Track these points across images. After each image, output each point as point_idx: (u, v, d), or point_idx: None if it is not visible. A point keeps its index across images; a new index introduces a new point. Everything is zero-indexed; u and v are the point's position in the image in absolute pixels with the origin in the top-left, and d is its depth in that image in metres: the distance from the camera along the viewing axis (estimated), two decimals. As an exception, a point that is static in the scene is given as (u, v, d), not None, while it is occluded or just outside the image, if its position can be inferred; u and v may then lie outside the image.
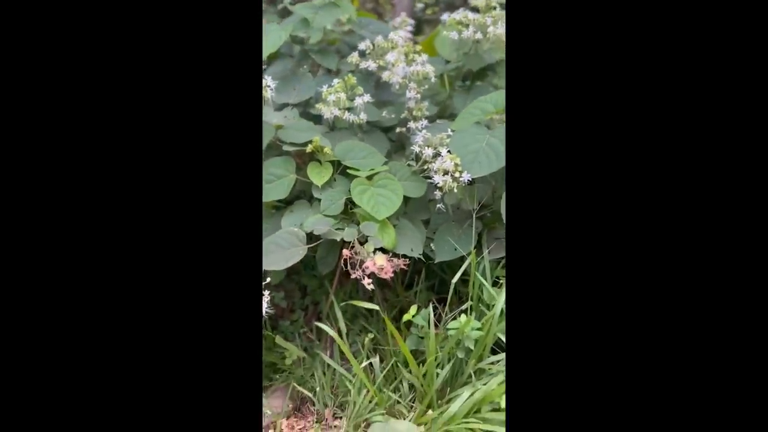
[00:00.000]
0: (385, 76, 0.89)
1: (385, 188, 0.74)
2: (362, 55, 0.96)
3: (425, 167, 0.79)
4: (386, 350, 0.77)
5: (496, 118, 0.81)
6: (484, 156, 0.74)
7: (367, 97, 0.86)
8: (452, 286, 0.75)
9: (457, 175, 0.71)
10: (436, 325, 0.74)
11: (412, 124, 0.89)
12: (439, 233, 0.79)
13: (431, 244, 0.80)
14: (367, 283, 0.61)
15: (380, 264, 0.61)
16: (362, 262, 0.62)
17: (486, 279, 0.77)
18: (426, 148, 0.78)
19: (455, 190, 0.72)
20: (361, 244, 0.67)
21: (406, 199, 0.81)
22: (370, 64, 0.94)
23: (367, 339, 0.76)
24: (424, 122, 0.89)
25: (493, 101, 0.83)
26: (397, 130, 0.92)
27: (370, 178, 0.76)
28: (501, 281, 0.76)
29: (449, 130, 0.83)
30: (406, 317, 0.69)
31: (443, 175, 0.72)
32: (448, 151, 0.75)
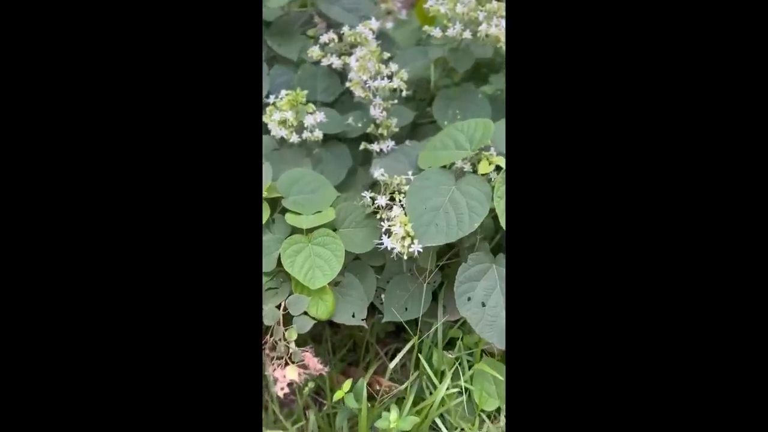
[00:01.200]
0: (348, 84, 0.74)
1: (325, 248, 0.63)
2: (324, 47, 0.80)
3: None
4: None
5: (470, 158, 0.67)
6: (442, 218, 0.62)
7: (320, 116, 0.72)
8: (393, 364, 0.67)
9: (406, 243, 0.60)
10: (374, 396, 0.68)
11: (374, 147, 0.75)
12: (391, 287, 0.70)
13: (382, 295, 0.71)
14: (281, 392, 0.53)
15: (291, 377, 0.53)
16: (281, 356, 0.54)
17: (438, 344, 0.69)
18: (379, 195, 0.65)
19: (405, 257, 0.61)
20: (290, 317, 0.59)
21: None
22: (334, 61, 0.79)
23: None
24: (390, 144, 0.75)
25: (469, 133, 0.69)
26: (362, 146, 0.78)
27: (309, 230, 0.65)
28: (454, 346, 0.69)
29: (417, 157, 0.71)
30: (338, 395, 0.62)
31: (394, 237, 0.61)
32: (403, 207, 0.63)
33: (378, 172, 0.70)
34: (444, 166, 0.66)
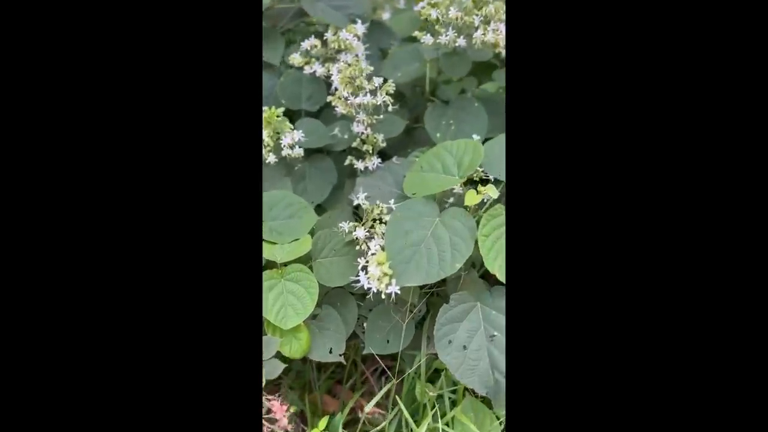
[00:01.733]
0: (330, 98, 0.69)
1: (298, 284, 0.60)
2: (306, 54, 0.74)
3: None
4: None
5: (455, 192, 0.62)
6: (423, 255, 0.57)
7: (298, 135, 0.67)
8: (375, 400, 0.64)
9: (384, 284, 0.56)
10: None
11: (359, 165, 0.70)
12: (372, 317, 0.67)
13: (365, 323, 0.68)
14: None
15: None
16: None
17: (421, 377, 0.66)
18: (357, 227, 0.61)
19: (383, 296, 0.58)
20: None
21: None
22: (317, 69, 0.73)
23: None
24: (375, 162, 0.70)
25: (458, 155, 0.64)
26: (347, 161, 0.73)
27: (284, 265, 0.61)
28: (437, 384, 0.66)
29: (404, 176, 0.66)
30: (314, 432, 0.60)
31: (371, 276, 0.57)
32: (383, 238, 0.59)
33: (360, 196, 0.66)
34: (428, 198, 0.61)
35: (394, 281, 0.56)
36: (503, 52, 0.72)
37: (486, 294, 0.59)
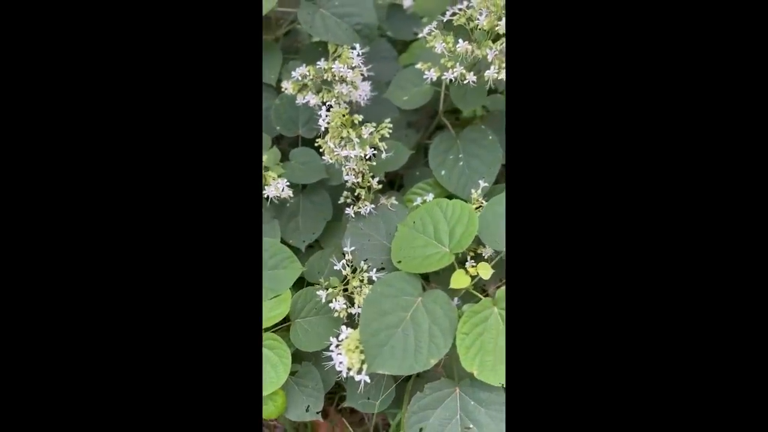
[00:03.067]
0: (318, 141, 0.62)
1: (272, 351, 0.58)
2: (301, 81, 0.66)
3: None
4: None
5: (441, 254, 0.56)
6: (400, 340, 0.53)
7: (283, 184, 0.62)
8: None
9: (354, 370, 0.53)
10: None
11: (349, 211, 0.65)
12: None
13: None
14: None
15: None
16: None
17: (401, 433, 0.65)
18: (337, 299, 0.57)
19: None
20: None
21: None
22: (310, 100, 0.65)
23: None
24: (368, 208, 0.64)
25: (451, 221, 0.57)
26: (341, 199, 0.68)
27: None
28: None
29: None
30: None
31: (343, 360, 0.54)
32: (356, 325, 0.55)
33: (347, 250, 0.62)
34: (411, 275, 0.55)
35: (365, 367, 0.53)
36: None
37: (466, 381, 0.56)
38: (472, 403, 0.55)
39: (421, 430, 0.55)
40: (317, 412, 0.62)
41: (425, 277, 0.60)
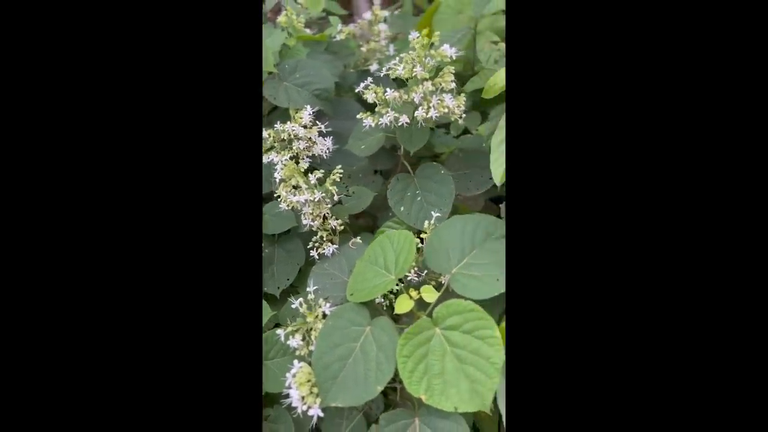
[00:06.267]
0: (275, 191, 0.67)
1: (239, 393, 0.60)
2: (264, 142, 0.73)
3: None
4: None
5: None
6: (351, 371, 0.54)
7: (246, 233, 0.67)
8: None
9: (306, 405, 0.54)
10: None
11: (314, 253, 0.68)
12: (329, 413, 0.65)
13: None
14: None
15: None
16: None
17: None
18: (293, 336, 0.60)
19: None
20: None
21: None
22: (273, 158, 0.72)
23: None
24: (331, 249, 0.68)
25: (397, 250, 0.59)
26: (310, 244, 0.72)
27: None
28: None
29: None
30: None
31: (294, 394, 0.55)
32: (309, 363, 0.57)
33: (310, 290, 0.64)
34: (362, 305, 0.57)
35: (318, 401, 0.54)
36: (459, 120, 0.65)
37: (423, 410, 0.55)
38: (431, 432, 0.53)
39: (379, 463, 0.54)
40: (292, 456, 0.62)
41: (383, 310, 0.61)
